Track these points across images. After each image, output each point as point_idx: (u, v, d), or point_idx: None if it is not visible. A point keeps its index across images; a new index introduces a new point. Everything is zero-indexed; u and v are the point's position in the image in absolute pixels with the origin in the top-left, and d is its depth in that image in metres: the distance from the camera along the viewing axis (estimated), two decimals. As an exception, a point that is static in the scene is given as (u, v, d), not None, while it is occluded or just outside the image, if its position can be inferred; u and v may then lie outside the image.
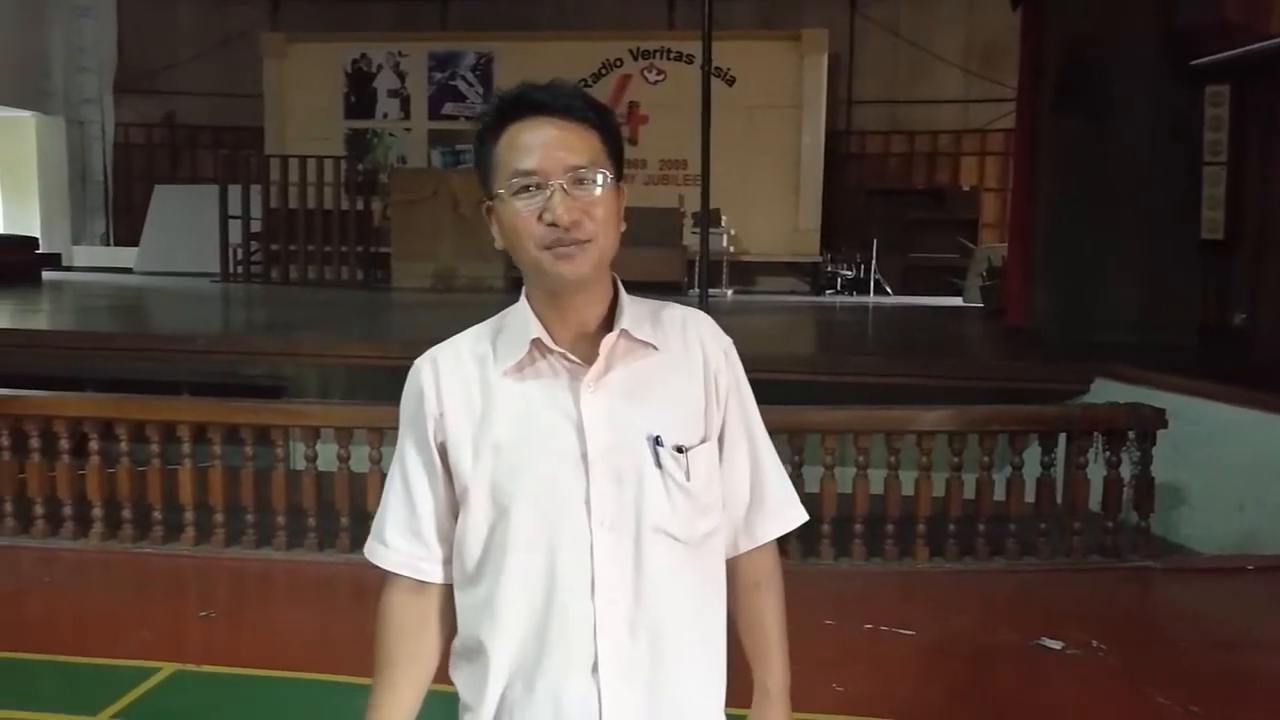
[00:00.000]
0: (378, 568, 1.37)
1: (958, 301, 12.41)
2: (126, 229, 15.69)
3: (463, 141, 14.68)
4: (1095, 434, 4.76)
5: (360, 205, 13.03)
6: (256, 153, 13.67)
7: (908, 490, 4.68)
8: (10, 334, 7.35)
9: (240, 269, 13.14)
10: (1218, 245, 7.52)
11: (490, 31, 14.65)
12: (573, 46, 13.93)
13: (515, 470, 1.26)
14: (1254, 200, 7.27)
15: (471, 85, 14.67)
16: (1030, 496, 4.75)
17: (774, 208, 13.74)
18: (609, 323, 1.30)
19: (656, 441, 1.27)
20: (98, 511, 4.77)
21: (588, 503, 1.24)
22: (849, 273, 13.82)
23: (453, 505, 1.32)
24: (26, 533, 4.80)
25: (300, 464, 4.79)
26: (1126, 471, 4.75)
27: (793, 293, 14.05)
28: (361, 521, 4.55)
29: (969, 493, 4.72)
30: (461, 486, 1.29)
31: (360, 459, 4.66)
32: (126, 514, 4.78)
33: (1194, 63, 7.34)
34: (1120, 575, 4.63)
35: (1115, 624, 4.15)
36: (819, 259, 13.89)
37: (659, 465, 1.27)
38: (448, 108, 14.75)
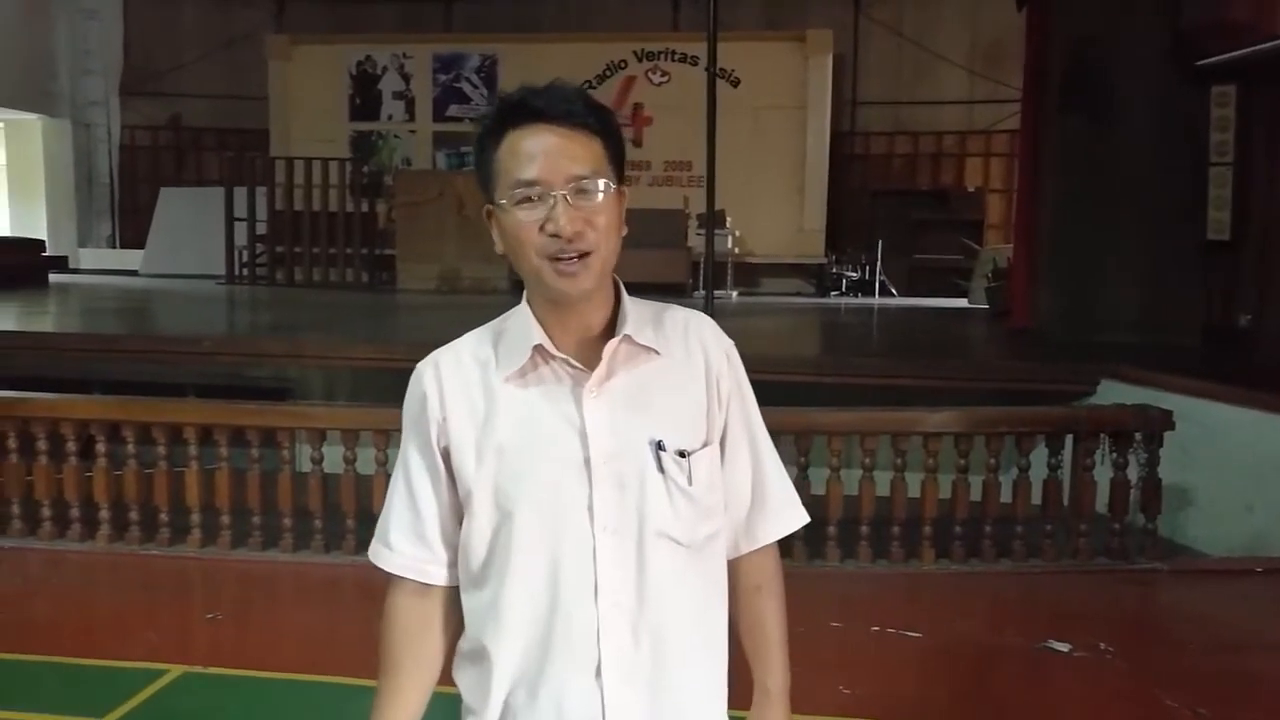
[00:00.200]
0: (382, 570, 1.37)
1: (963, 303, 12.39)
2: (132, 231, 15.73)
3: (467, 143, 14.58)
4: (1102, 435, 4.75)
5: (365, 207, 13.05)
6: (262, 155, 13.69)
7: (914, 492, 4.67)
8: (17, 336, 7.37)
9: (245, 271, 13.16)
10: (1223, 246, 7.50)
11: (494, 33, 14.67)
12: (577, 48, 13.94)
13: (518, 475, 1.26)
14: (1260, 201, 7.25)
15: (476, 87, 14.68)
16: (1037, 498, 4.74)
17: (779, 209, 13.73)
18: (611, 327, 1.30)
19: (659, 446, 1.27)
20: (104, 513, 4.79)
21: (590, 508, 1.25)
22: (854, 274, 13.81)
23: (456, 508, 1.32)
24: (34, 534, 4.81)
25: (306, 466, 4.79)
26: (1134, 473, 4.73)
27: (798, 294, 14.04)
28: (367, 523, 4.54)
29: (975, 494, 4.71)
30: (465, 490, 1.29)
31: (366, 461, 4.67)
32: (133, 516, 4.79)
33: (1199, 63, 7.32)
34: (1127, 577, 4.62)
35: (1122, 626, 4.14)
36: (824, 260, 13.88)
37: (661, 470, 1.27)
38: (452, 109, 14.76)
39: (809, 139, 13.80)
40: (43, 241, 14.17)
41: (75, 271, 14.88)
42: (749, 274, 13.85)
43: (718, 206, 8.22)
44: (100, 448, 4.76)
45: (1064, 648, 3.71)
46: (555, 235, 1.22)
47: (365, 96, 14.92)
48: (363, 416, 4.79)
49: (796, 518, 1.45)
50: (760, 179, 13.39)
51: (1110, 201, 7.71)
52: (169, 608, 4.24)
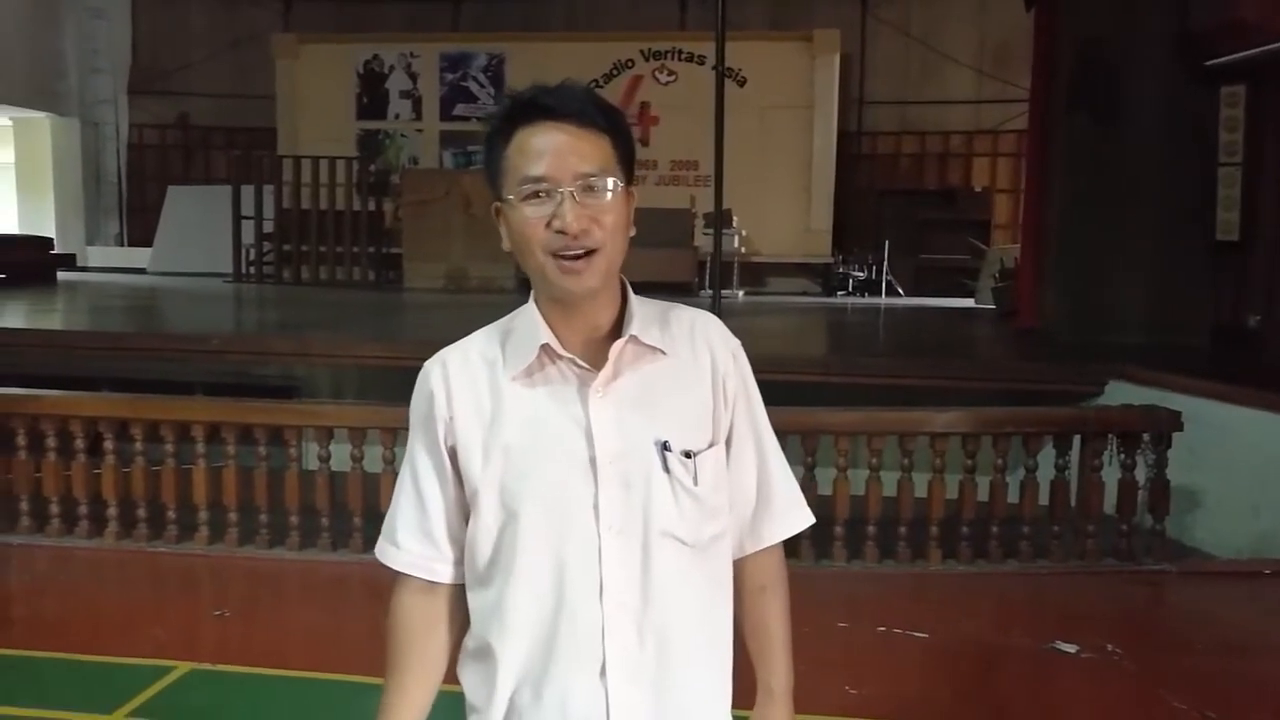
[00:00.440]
0: (388, 568, 1.38)
1: (969, 303, 12.36)
2: (140, 229, 15.77)
3: (474, 142, 14.69)
4: (1110, 436, 4.74)
5: (372, 206, 13.07)
6: (269, 153, 13.72)
7: (920, 492, 4.67)
8: (26, 334, 7.40)
9: (253, 269, 13.18)
10: (1232, 246, 7.47)
11: (501, 32, 14.67)
12: (584, 47, 13.94)
13: (524, 474, 1.26)
14: (1269, 201, 7.22)
15: (483, 86, 14.69)
16: (1044, 499, 4.73)
17: (785, 209, 13.72)
18: (618, 326, 1.30)
19: (664, 447, 1.27)
20: (112, 510, 4.80)
21: (596, 507, 1.25)
22: (860, 274, 13.79)
23: (463, 507, 1.33)
24: (42, 531, 4.83)
25: (314, 464, 4.80)
26: (1141, 474, 4.72)
27: (804, 294, 14.02)
28: (375, 521, 4.54)
29: (982, 495, 4.70)
30: (471, 489, 1.30)
31: (374, 459, 4.68)
32: (141, 513, 4.81)
33: (1209, 63, 7.29)
34: (1135, 578, 4.61)
35: (1130, 627, 4.14)
36: (830, 260, 13.87)
37: (667, 470, 1.27)
38: (459, 109, 14.77)
39: (816, 138, 13.79)
40: (51, 239, 14.21)
41: (83, 269, 14.91)
42: (755, 273, 13.84)
43: (725, 206, 8.21)
44: (108, 445, 4.78)
45: (1071, 649, 3.70)
46: (561, 232, 1.22)
47: (372, 95, 14.94)
48: (370, 415, 4.80)
49: (802, 518, 1.45)
50: (767, 178, 13.38)
51: (1118, 202, 7.69)
52: (176, 605, 4.26)
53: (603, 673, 1.25)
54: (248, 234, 13.09)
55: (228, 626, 4.01)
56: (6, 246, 12.84)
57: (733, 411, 1.37)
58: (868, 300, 13.25)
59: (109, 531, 4.80)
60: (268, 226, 13.11)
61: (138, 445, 4.77)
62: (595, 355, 1.28)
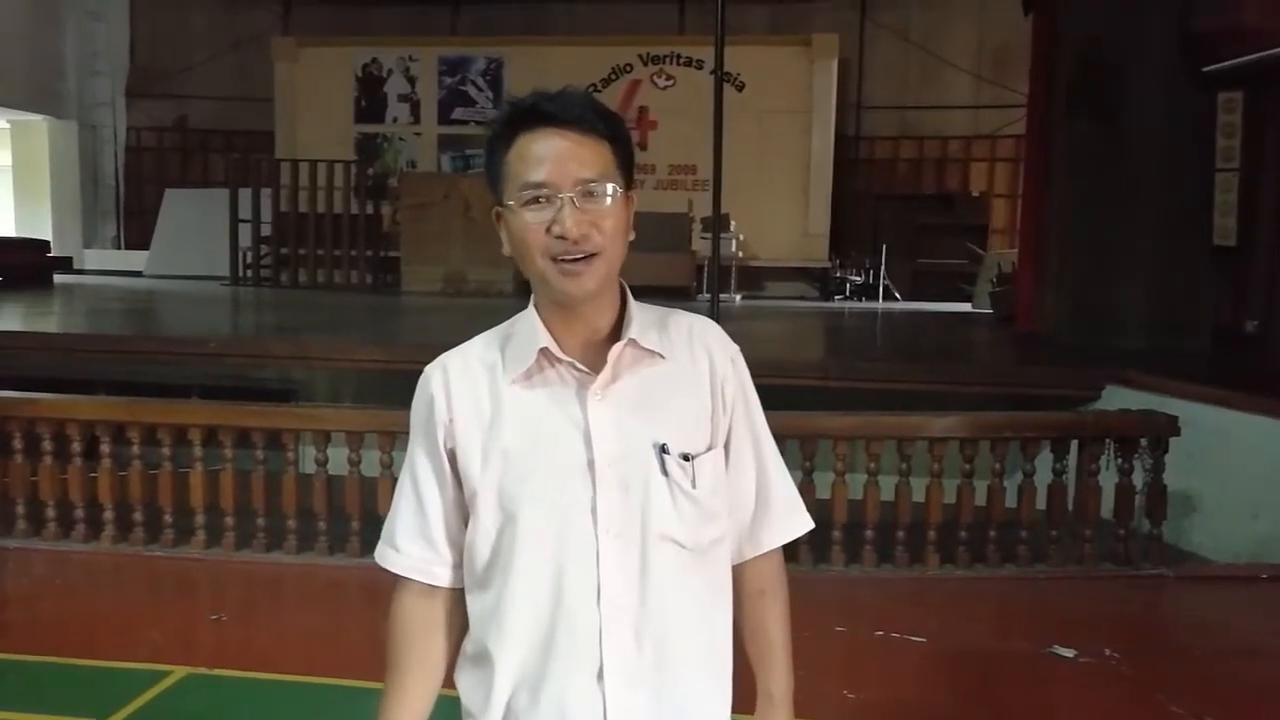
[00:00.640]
0: (388, 572, 1.38)
1: (967, 307, 12.37)
2: (137, 232, 15.76)
3: (472, 146, 14.70)
4: (1108, 441, 4.74)
5: (370, 209, 13.07)
6: (267, 157, 13.72)
7: (918, 497, 4.67)
8: (23, 336, 7.39)
9: (250, 273, 13.18)
10: (1230, 251, 7.48)
11: (500, 36, 14.70)
12: (582, 51, 13.96)
13: (523, 477, 1.26)
14: (1267, 207, 7.23)
15: (481, 90, 14.70)
16: (1042, 504, 4.73)
17: (783, 213, 13.73)
18: (617, 331, 1.31)
19: (663, 449, 1.27)
20: (109, 514, 4.79)
21: (594, 510, 1.25)
22: (858, 278, 13.80)
23: (462, 510, 1.33)
24: (38, 535, 4.82)
25: (311, 468, 4.80)
26: (1139, 479, 4.72)
27: (801, 298, 14.04)
28: (372, 525, 4.55)
29: (980, 499, 4.70)
30: (471, 491, 1.30)
31: (371, 463, 4.67)
32: (137, 517, 4.79)
33: (1207, 68, 7.30)
34: (1132, 583, 4.61)
35: (1128, 632, 4.14)
36: (828, 264, 13.88)
37: (665, 473, 1.27)
38: (458, 112, 14.78)
39: (814, 143, 13.81)
40: (48, 242, 14.21)
41: (80, 272, 14.90)
42: (753, 278, 13.85)
43: (722, 210, 8.22)
44: (105, 448, 4.76)
45: (1069, 653, 3.70)
46: (561, 237, 1.23)
47: (371, 99, 14.95)
48: (367, 418, 4.80)
49: (801, 523, 1.45)
50: (765, 183, 13.40)
51: (1117, 206, 7.70)
52: (173, 609, 4.25)
53: (600, 676, 1.25)
54: (245, 237, 13.09)
55: (225, 631, 4.00)
56: (3, 249, 12.84)
57: (731, 416, 1.37)
58: (865, 305, 13.27)
59: (105, 535, 4.78)
60: (265, 230, 13.11)
61: (134, 448, 4.76)
62: (594, 359, 1.28)
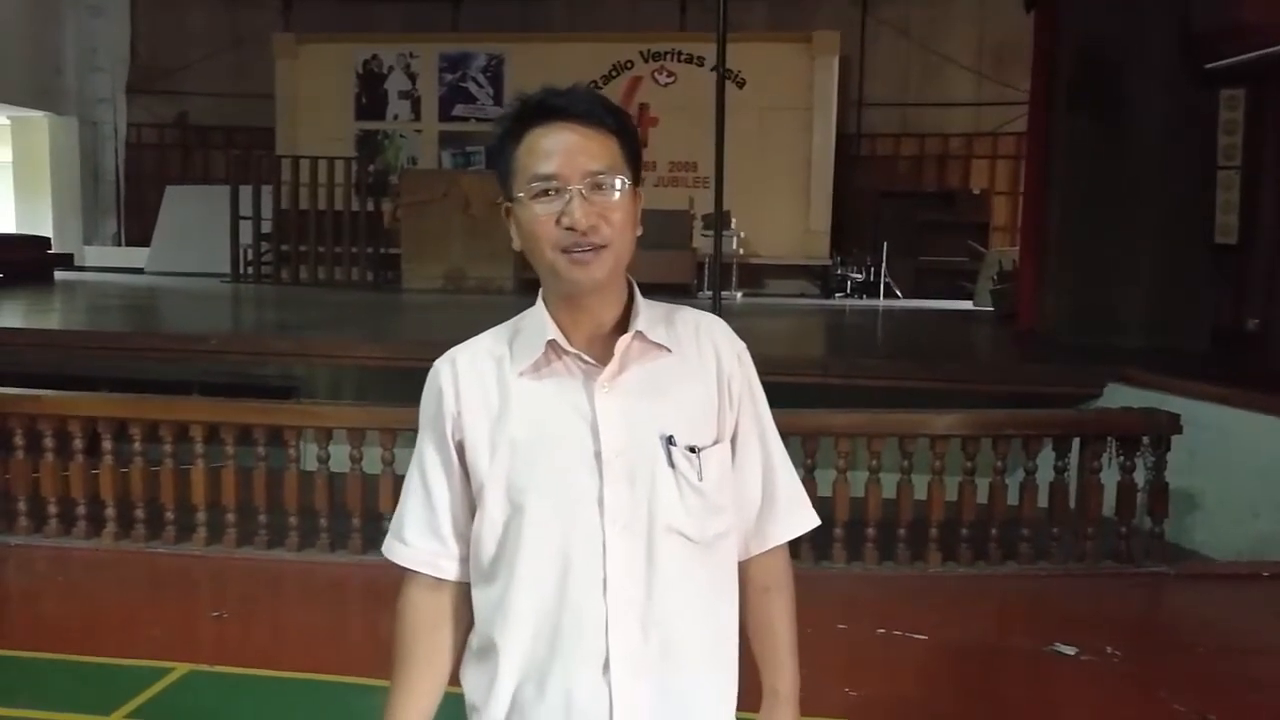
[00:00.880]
0: (396, 566, 1.38)
1: (968, 305, 12.37)
2: (138, 229, 15.75)
3: (473, 143, 14.69)
4: (1109, 439, 4.74)
5: (371, 206, 13.06)
6: (268, 153, 13.71)
7: (920, 494, 4.67)
8: (24, 333, 7.39)
9: (250, 269, 13.17)
10: (1231, 249, 7.48)
11: (501, 33, 14.67)
12: (583, 48, 13.93)
13: (530, 468, 1.27)
14: (1268, 204, 7.23)
15: (482, 87, 14.69)
16: (1043, 501, 4.73)
17: (784, 210, 13.72)
18: (624, 325, 1.32)
19: (670, 441, 1.28)
20: (110, 511, 4.79)
21: (601, 501, 1.25)
22: (859, 276, 13.79)
23: (470, 503, 1.34)
24: (40, 532, 4.82)
25: (312, 465, 4.79)
26: (1140, 477, 4.72)
27: (802, 295, 14.03)
28: (374, 522, 4.56)
29: (982, 497, 4.70)
30: (478, 484, 1.31)
31: (372, 460, 4.67)
32: (139, 514, 4.79)
33: (1209, 66, 7.30)
34: (1134, 581, 4.61)
35: (1129, 630, 4.14)
36: (829, 262, 13.87)
37: (672, 465, 1.28)
38: (458, 109, 14.77)
39: (815, 140, 13.80)
40: (48, 239, 14.19)
41: (80, 269, 14.90)
42: (754, 275, 13.84)
43: (723, 207, 8.21)
44: (107, 445, 4.76)
45: (1070, 651, 3.71)
46: (570, 229, 1.24)
47: (371, 96, 14.93)
48: (369, 415, 4.80)
49: (807, 520, 1.46)
50: (766, 180, 13.38)
51: (1118, 203, 7.69)
52: (175, 606, 4.25)
53: (606, 668, 1.25)
54: (246, 234, 13.08)
55: (226, 627, 4.00)
56: (4, 246, 12.83)
57: (737, 412, 1.38)
58: (866, 302, 13.26)
59: (107, 532, 4.78)
60: (266, 226, 13.10)
61: (136, 445, 4.76)
62: (601, 352, 1.29)
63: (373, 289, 12.58)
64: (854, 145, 14.51)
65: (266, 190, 13.02)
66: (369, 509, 4.61)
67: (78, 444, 4.78)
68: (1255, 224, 7.30)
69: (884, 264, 13.50)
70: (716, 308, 7.03)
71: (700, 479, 1.29)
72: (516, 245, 1.32)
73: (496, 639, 1.29)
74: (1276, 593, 4.52)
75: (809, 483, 4.45)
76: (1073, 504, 4.76)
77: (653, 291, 1.38)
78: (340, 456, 4.74)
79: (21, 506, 4.83)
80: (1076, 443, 4.78)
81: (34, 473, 4.87)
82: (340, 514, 4.71)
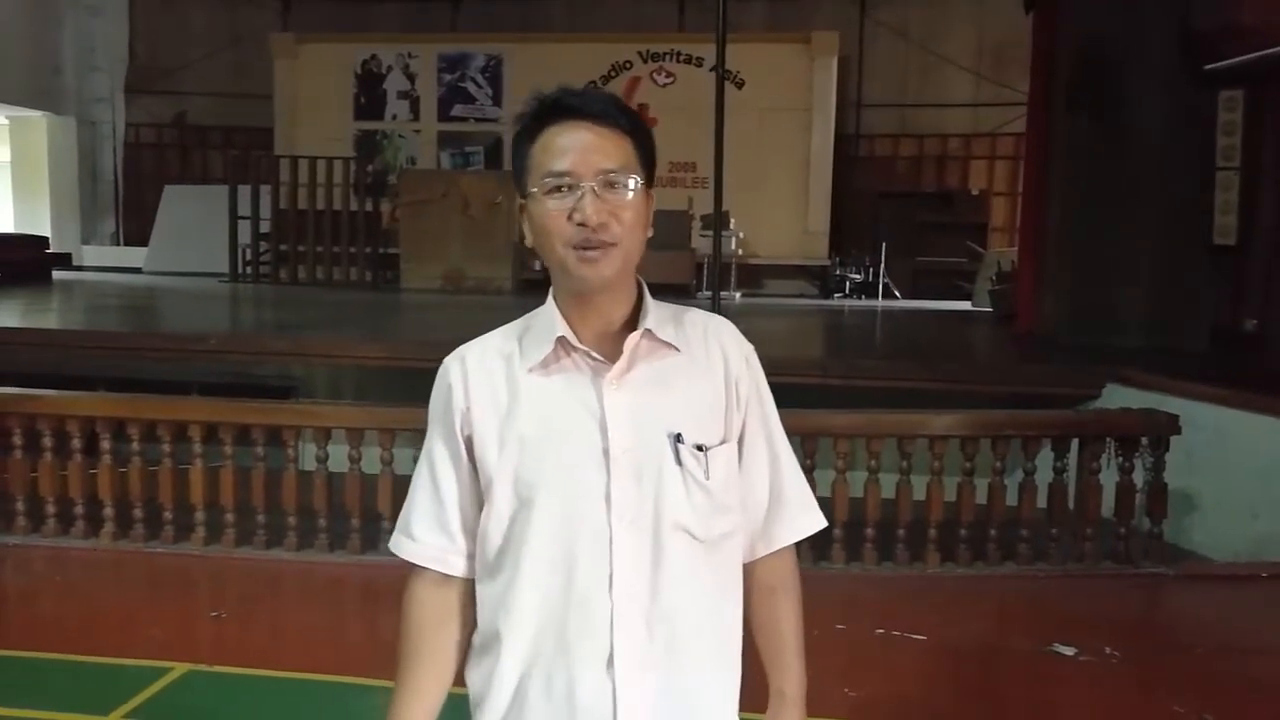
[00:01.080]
0: (400, 563, 1.38)
1: (966, 306, 12.38)
2: (136, 229, 15.74)
3: (472, 143, 14.69)
4: (1108, 439, 4.74)
5: (369, 206, 13.05)
6: (266, 153, 13.70)
7: (919, 495, 4.67)
8: (22, 333, 7.38)
9: (249, 269, 13.17)
10: (1229, 250, 7.48)
11: (500, 33, 14.66)
12: (582, 48, 13.93)
13: (538, 464, 1.28)
14: (1267, 205, 7.23)
15: (481, 87, 14.68)
16: (1042, 502, 4.73)
17: (783, 211, 13.73)
18: (632, 323, 1.33)
19: (677, 439, 1.29)
20: (109, 511, 4.79)
21: (608, 498, 1.26)
22: (857, 276, 13.79)
23: (478, 498, 1.34)
24: (38, 531, 4.82)
25: (311, 465, 4.79)
26: (1139, 478, 4.73)
27: (801, 296, 14.03)
28: (373, 522, 4.56)
29: (981, 498, 4.70)
30: (486, 479, 1.31)
31: (371, 460, 4.67)
32: (138, 513, 4.79)
33: (1208, 67, 7.30)
34: (1133, 581, 4.61)
35: (1128, 630, 4.14)
36: (827, 262, 13.87)
37: (679, 462, 1.28)
38: (457, 109, 14.76)
39: (814, 141, 13.80)
40: (46, 238, 14.18)
41: (79, 268, 14.88)
42: (752, 275, 13.85)
43: (722, 208, 8.21)
44: (105, 445, 4.76)
45: (1069, 651, 3.71)
46: (582, 225, 1.25)
47: (370, 96, 14.93)
48: (368, 415, 4.79)
49: (813, 521, 1.46)
50: (765, 181, 13.38)
51: (1118, 204, 7.70)
52: (173, 605, 4.25)
53: (610, 664, 1.26)
54: (244, 234, 13.07)
55: (225, 627, 3.99)
56: (2, 245, 12.82)
57: (745, 413, 1.38)
58: (865, 302, 13.27)
59: (105, 532, 4.78)
60: (264, 226, 13.10)
61: (134, 445, 4.75)
62: (610, 349, 1.30)
63: (371, 289, 12.57)
64: (853, 146, 14.52)
65: (265, 190, 13.01)
66: (368, 509, 4.61)
67: (76, 444, 4.77)
68: (1254, 225, 7.30)
69: (883, 264, 13.50)
70: (715, 308, 7.02)
71: (707, 477, 1.30)
72: (529, 241, 1.34)
73: (500, 633, 1.29)
74: (1275, 593, 4.52)
75: (808, 483, 4.45)
76: (1071, 505, 4.77)
77: (652, 292, 1.38)
78: (339, 456, 4.74)
79: (20, 506, 4.83)
80: (1075, 443, 4.78)
81: (32, 472, 4.86)
82: (339, 514, 4.71)
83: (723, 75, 7.18)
